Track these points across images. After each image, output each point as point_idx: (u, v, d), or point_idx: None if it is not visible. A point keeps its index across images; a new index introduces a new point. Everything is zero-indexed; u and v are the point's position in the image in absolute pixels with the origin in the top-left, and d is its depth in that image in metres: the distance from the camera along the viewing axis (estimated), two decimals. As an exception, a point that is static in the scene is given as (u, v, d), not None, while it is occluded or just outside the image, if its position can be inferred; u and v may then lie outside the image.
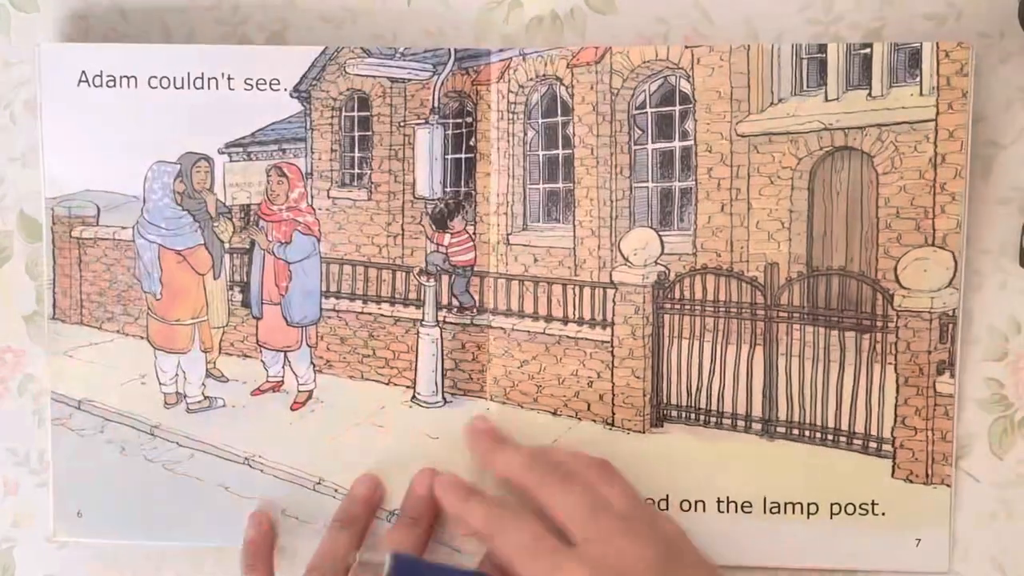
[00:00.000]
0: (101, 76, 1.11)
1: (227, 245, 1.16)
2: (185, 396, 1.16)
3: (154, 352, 1.16)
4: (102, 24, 1.12)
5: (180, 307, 1.16)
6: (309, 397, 1.15)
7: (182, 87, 1.11)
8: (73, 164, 1.12)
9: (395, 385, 1.15)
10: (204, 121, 1.11)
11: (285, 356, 1.16)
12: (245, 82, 1.10)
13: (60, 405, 1.14)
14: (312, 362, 1.16)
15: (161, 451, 1.15)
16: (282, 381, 1.16)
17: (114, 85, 1.11)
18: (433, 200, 1.12)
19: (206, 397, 1.16)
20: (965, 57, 1.02)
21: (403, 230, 1.14)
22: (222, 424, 1.15)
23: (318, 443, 1.14)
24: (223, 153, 1.12)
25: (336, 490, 1.13)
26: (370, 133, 1.14)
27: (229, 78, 1.10)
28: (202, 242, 1.16)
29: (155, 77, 1.11)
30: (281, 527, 1.14)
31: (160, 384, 1.16)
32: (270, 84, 1.10)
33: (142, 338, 1.16)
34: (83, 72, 1.10)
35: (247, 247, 1.16)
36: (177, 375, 1.16)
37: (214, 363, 1.17)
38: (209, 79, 1.10)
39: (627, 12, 1.09)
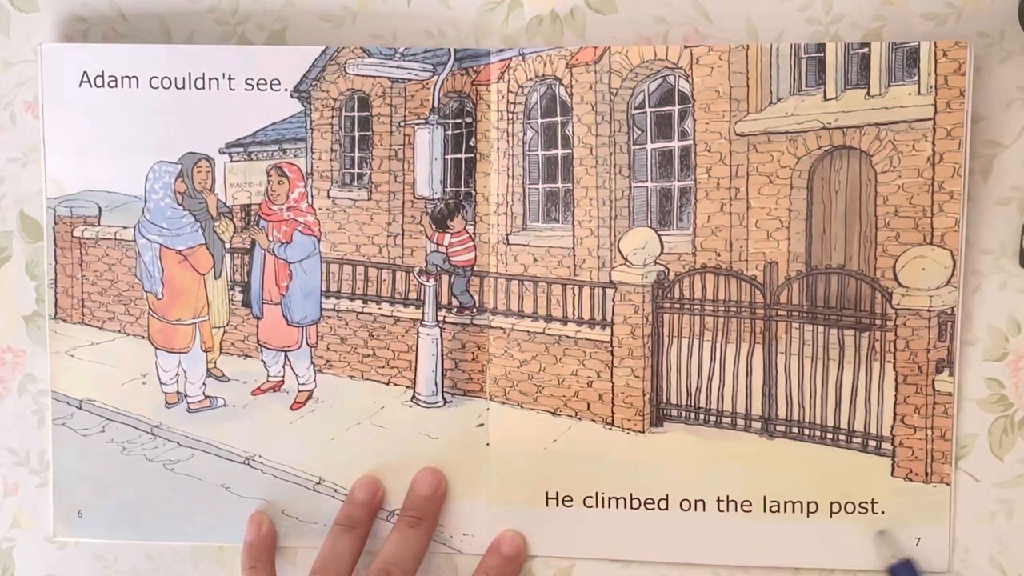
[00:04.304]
0: (103, 76, 1.13)
1: (228, 245, 1.18)
2: (186, 396, 1.19)
3: (155, 352, 1.18)
4: (102, 25, 1.15)
5: (181, 307, 1.19)
6: (309, 397, 1.18)
7: (183, 87, 1.13)
8: (75, 164, 1.14)
9: (395, 385, 1.17)
10: (205, 121, 1.14)
11: (285, 356, 1.19)
12: (246, 82, 1.13)
13: (61, 404, 1.16)
14: (312, 362, 1.18)
15: (161, 451, 1.18)
16: (282, 381, 1.19)
17: (115, 85, 1.13)
18: (433, 200, 1.15)
19: (207, 397, 1.19)
20: (963, 56, 1.04)
21: (403, 230, 1.16)
22: (222, 424, 1.18)
23: (318, 443, 1.17)
24: (224, 153, 1.15)
25: (336, 490, 1.16)
26: (370, 133, 1.16)
27: (230, 78, 1.13)
28: (203, 242, 1.18)
29: (156, 77, 1.13)
30: (281, 527, 1.17)
31: (161, 384, 1.18)
32: (270, 84, 1.13)
33: (143, 338, 1.18)
34: (84, 72, 1.13)
35: (248, 247, 1.19)
36: (178, 375, 1.19)
37: (215, 363, 1.20)
38: (210, 79, 1.13)
39: (627, 12, 1.11)
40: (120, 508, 1.17)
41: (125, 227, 1.17)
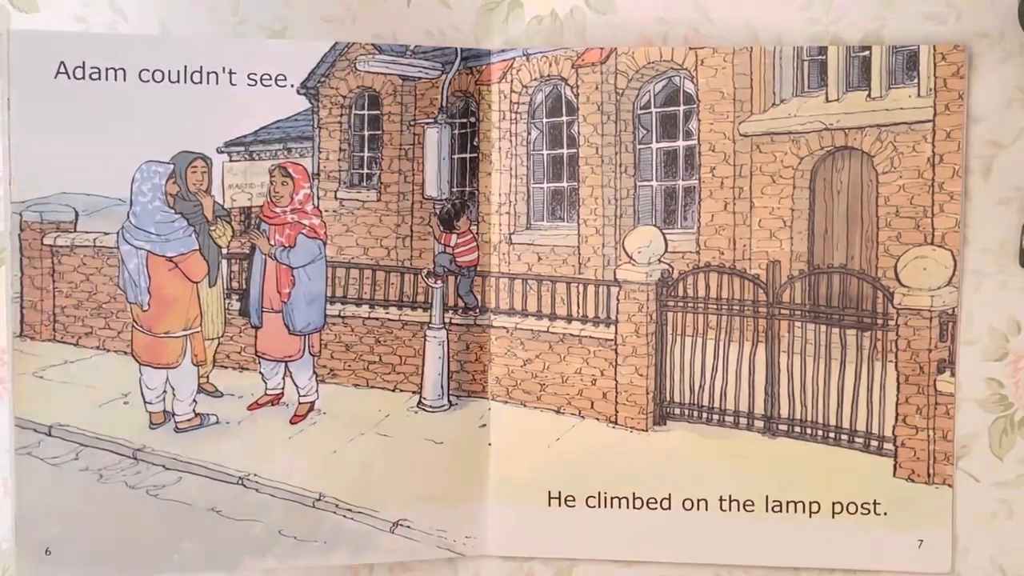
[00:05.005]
0: (83, 68, 1.08)
1: (225, 250, 1.16)
2: (173, 414, 1.14)
3: (139, 368, 1.13)
4: (102, 25, 1.13)
5: (170, 318, 1.15)
6: (311, 409, 1.16)
7: (177, 81, 1.09)
8: (47, 164, 1.08)
9: (401, 391, 1.17)
10: (202, 118, 1.10)
11: (286, 366, 1.17)
12: (248, 77, 1.10)
13: (27, 432, 1.10)
14: (315, 372, 1.17)
15: (145, 476, 1.13)
16: (282, 393, 1.17)
17: (98, 78, 1.08)
18: (441, 200, 1.15)
19: (197, 414, 1.15)
20: (961, 59, 1.07)
21: (412, 231, 1.17)
22: (214, 442, 1.14)
23: (319, 457, 1.14)
24: (222, 152, 1.12)
25: (337, 505, 1.14)
26: (380, 132, 1.16)
27: (231, 72, 1.10)
28: (196, 247, 1.15)
29: (147, 70, 1.09)
30: (278, 548, 1.14)
31: (145, 402, 1.13)
32: (275, 80, 1.10)
33: (126, 353, 1.13)
34: (62, 63, 1.08)
35: (247, 252, 1.17)
36: (165, 392, 1.15)
37: (207, 377, 1.17)
38: (208, 73, 1.10)
39: (627, 12, 1.13)
40: (95, 542, 1.11)
41: (106, 233, 1.12)
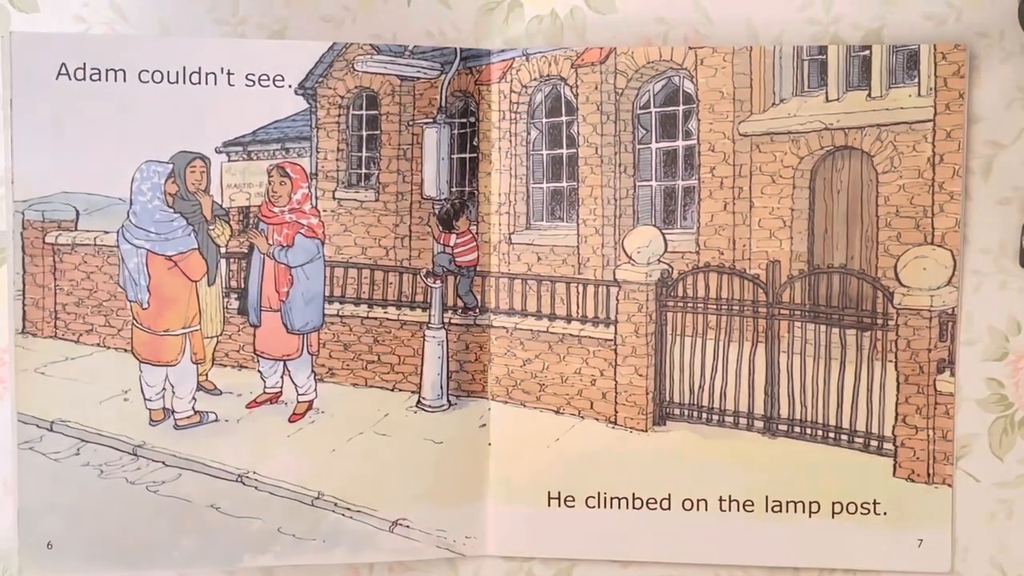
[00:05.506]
0: (84, 69, 1.09)
1: (223, 249, 1.17)
2: (173, 411, 1.15)
3: (139, 365, 1.14)
4: (102, 25, 1.14)
5: (169, 316, 1.16)
6: (309, 407, 1.17)
7: (176, 82, 1.10)
8: (48, 164, 1.09)
9: (400, 391, 1.18)
10: (201, 118, 1.11)
11: (284, 365, 1.18)
12: (246, 78, 1.11)
13: (29, 427, 1.11)
14: (313, 370, 1.17)
15: (145, 472, 1.13)
16: (280, 392, 1.17)
17: (99, 79, 1.09)
18: (440, 200, 1.16)
19: (196, 412, 1.16)
20: (962, 59, 1.07)
21: (411, 231, 1.17)
22: (213, 440, 1.14)
23: (318, 455, 1.15)
24: (221, 152, 1.12)
25: (336, 504, 1.14)
26: (378, 132, 1.17)
27: (229, 73, 1.11)
28: (195, 247, 1.16)
29: (147, 71, 1.10)
30: (277, 546, 1.14)
31: (145, 399, 1.14)
32: (273, 80, 1.11)
33: (126, 351, 1.14)
34: (63, 64, 1.09)
35: (245, 251, 1.18)
36: (164, 389, 1.15)
37: (206, 375, 1.17)
38: (207, 74, 1.10)
39: (627, 12, 1.13)
40: (96, 537, 1.12)
41: (107, 232, 1.13)
